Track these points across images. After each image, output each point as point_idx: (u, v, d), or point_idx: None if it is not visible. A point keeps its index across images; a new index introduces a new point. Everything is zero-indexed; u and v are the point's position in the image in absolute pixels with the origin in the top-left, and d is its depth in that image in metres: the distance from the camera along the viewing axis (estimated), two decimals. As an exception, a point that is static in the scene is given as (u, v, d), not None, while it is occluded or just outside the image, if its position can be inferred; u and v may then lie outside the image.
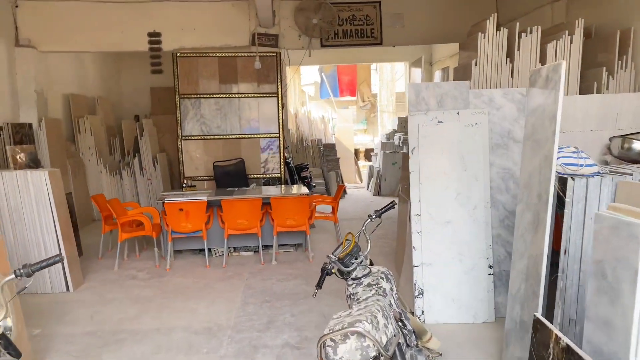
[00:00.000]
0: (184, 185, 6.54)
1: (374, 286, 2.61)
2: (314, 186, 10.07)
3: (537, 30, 4.89)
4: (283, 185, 7.70)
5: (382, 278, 2.68)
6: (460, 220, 4.00)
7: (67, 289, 5.07)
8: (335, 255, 2.78)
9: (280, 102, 7.84)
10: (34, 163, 5.62)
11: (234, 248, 6.33)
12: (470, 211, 3.99)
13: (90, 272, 5.76)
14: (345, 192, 11.17)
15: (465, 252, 4.00)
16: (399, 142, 11.77)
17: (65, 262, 5.03)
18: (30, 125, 7.11)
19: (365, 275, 2.70)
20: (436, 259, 4.01)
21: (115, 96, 11.29)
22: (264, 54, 7.68)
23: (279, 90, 7.81)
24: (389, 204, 3.13)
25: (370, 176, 12.03)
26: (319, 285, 2.67)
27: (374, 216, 3.05)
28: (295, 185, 7.38)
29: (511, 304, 3.15)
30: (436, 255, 4.01)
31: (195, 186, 6.61)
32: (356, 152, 15.70)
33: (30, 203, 4.94)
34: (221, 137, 7.76)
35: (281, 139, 7.87)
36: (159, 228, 6.08)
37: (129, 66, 11.64)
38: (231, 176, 7.37)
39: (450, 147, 4.01)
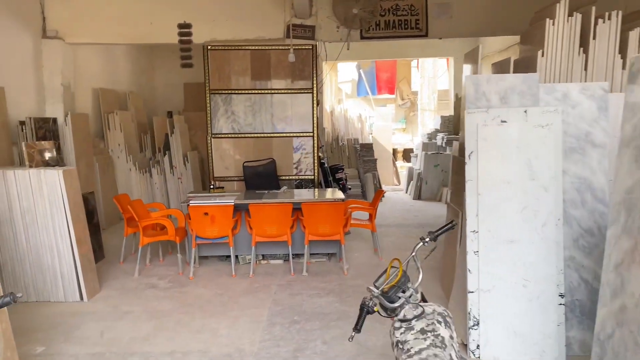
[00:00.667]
0: (211, 186, 6.09)
1: (429, 333, 2.03)
2: (349, 189, 9.50)
3: (617, 16, 4.17)
4: (316, 189, 7.16)
5: (440, 322, 2.09)
6: (526, 238, 3.36)
7: (81, 298, 4.68)
8: (378, 288, 2.21)
9: (315, 98, 7.30)
10: (53, 160, 5.27)
11: (263, 256, 5.84)
12: (538, 228, 3.35)
13: (109, 278, 5.38)
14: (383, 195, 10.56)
15: (531, 277, 3.36)
16: (442, 143, 11.05)
17: (79, 269, 4.64)
18: (54, 120, 6.82)
19: (417, 317, 2.11)
20: (496, 285, 3.39)
21: (147, 92, 11.02)
22: (299, 47, 7.15)
23: (314, 86, 7.27)
24: (447, 225, 2.52)
25: (410, 178, 11.37)
26: (358, 328, 2.11)
27: (427, 239, 2.44)
28: (329, 189, 6.81)
29: (599, 350, 2.51)
30: (496, 280, 3.39)
31: (223, 188, 6.15)
32: (394, 152, 15.02)
33: (44, 204, 4.57)
34: (252, 135, 7.29)
35: (315, 138, 7.34)
36: (183, 232, 5.65)
37: (162, 61, 11.36)
38: (261, 177, 6.89)
39: (516, 151, 3.37)
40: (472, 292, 3.42)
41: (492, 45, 10.52)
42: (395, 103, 20.08)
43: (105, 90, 8.82)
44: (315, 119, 7.31)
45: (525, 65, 4.44)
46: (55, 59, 7.06)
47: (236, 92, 7.22)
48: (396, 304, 2.21)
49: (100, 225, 6.27)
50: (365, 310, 2.15)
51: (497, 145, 3.38)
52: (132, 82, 10.24)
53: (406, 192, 11.38)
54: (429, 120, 15.90)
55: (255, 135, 7.29)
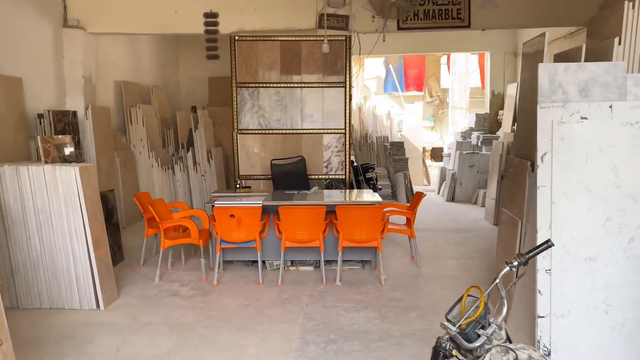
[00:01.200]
0: (237, 185, 5.69)
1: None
2: (380, 189, 9.02)
3: None
4: (350, 190, 6.70)
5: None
6: (609, 256, 2.85)
7: (98, 306, 4.32)
8: (454, 324, 1.75)
9: (348, 93, 6.84)
10: (71, 156, 4.93)
11: (291, 262, 5.41)
12: (624, 244, 2.84)
13: (128, 283, 5.02)
14: (413, 194, 10.06)
15: (615, 301, 2.85)
16: (477, 142, 10.48)
17: (95, 275, 4.28)
18: (74, 113, 6.50)
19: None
20: (571, 309, 2.89)
21: (172, 86, 10.70)
22: (332, 38, 6.70)
23: (347, 79, 6.82)
24: (543, 245, 2.02)
25: (442, 179, 10.82)
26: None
27: (516, 263, 1.94)
28: (364, 191, 6.32)
29: None
30: (571, 304, 2.89)
31: (250, 187, 5.74)
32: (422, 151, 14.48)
33: (59, 203, 4.21)
34: (280, 131, 6.87)
35: (347, 135, 6.88)
36: (207, 235, 5.25)
37: (186, 54, 11.03)
38: (290, 177, 6.46)
39: (598, 153, 2.86)
40: (543, 317, 2.92)
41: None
42: (423, 100, 19.48)
43: (128, 84, 8.51)
44: (347, 114, 6.85)
45: (596, 55, 3.90)
46: (76, 50, 6.74)
47: (264, 85, 6.81)
48: (476, 344, 1.75)
49: (120, 225, 5.94)
50: (441, 355, 1.69)
51: (576, 146, 2.88)
52: (156, 75, 9.92)
53: (438, 193, 10.85)
54: (460, 119, 15.30)
55: (284, 131, 6.87)
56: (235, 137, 6.88)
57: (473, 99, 15.73)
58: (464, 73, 15.74)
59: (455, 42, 11.16)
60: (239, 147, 6.90)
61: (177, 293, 4.74)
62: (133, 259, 5.84)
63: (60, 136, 5.01)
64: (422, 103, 18.56)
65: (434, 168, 14.41)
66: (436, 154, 17.51)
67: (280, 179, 6.39)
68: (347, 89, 6.83)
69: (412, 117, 13.97)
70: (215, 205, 5.00)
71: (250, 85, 6.82)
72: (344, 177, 6.92)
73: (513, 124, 9.14)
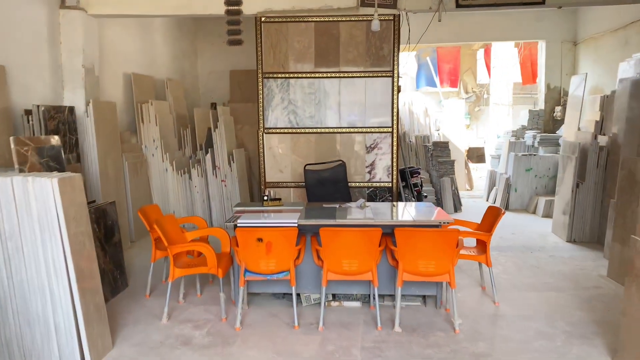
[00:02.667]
0: (265, 197, 4.59)
1: None
2: (425, 196, 7.83)
3: None
4: (405, 204, 5.55)
5: None
6: None
7: (83, 361, 3.27)
8: None
9: (395, 84, 5.69)
10: (56, 162, 3.91)
11: (333, 295, 4.29)
12: None
13: (128, 322, 3.97)
14: (460, 202, 8.84)
15: None
16: (533, 142, 9.20)
17: (80, 319, 3.22)
18: (71, 109, 5.48)
19: None
20: None
21: (189, 79, 9.68)
22: (378, 17, 5.55)
23: (395, 68, 5.67)
24: None
25: (492, 184, 9.58)
26: None
27: None
28: (426, 206, 5.07)
29: None
30: None
31: (280, 200, 4.64)
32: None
33: (32, 226, 3.17)
34: (314, 130, 5.76)
35: (395, 134, 5.74)
36: (228, 261, 4.16)
37: (206, 45, 10.01)
38: (328, 185, 5.35)
39: None
40: None
41: (597, 25, 8.58)
42: (458, 96, 18.17)
43: (140, 76, 7.50)
44: (395, 109, 5.70)
45: None
46: (75, 35, 5.73)
47: (295, 75, 5.71)
48: None
49: (127, 241, 4.91)
50: None
51: None
52: (172, 67, 8.91)
53: (487, 200, 9.61)
54: (503, 116, 13.99)
55: (318, 130, 5.76)
56: (261, 137, 5.79)
57: (520, 95, 14.43)
58: (507, 66, 14.40)
59: (505, 30, 9.90)
60: (265, 148, 5.81)
61: (190, 340, 3.66)
62: (139, 286, 4.81)
63: (43, 137, 3.98)
64: (456, 99, 17.23)
65: (475, 170, 13.16)
66: (473, 154, 16.24)
67: (316, 188, 5.28)
68: (395, 80, 5.68)
69: (451, 114, 12.72)
70: (239, 225, 3.91)
71: (279, 75, 5.72)
72: (390, 184, 5.77)
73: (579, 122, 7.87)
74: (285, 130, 5.77)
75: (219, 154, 7.44)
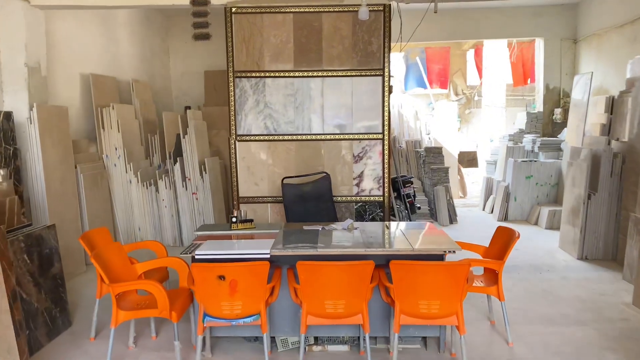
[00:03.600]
0: (233, 219, 3.82)
1: None
2: (419, 208, 7.13)
3: None
4: (398, 224, 4.84)
5: None
6: None
7: None
8: None
9: (387, 83, 4.98)
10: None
11: (316, 338, 3.54)
12: None
13: (60, 379, 3.19)
14: (455, 212, 8.15)
15: None
16: (532, 147, 8.56)
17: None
18: (8, 115, 4.68)
19: None
20: None
21: (160, 81, 8.90)
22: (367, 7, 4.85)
23: (386, 65, 4.96)
24: None
25: (488, 192, 8.92)
26: None
27: None
28: (427, 227, 4.25)
29: None
30: None
31: (252, 221, 3.89)
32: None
33: None
34: (295, 137, 5.02)
35: (386, 141, 5.02)
36: (186, 299, 3.39)
37: (179, 43, 9.23)
38: (310, 201, 4.61)
39: None
40: None
41: (601, 20, 7.97)
42: (448, 98, 17.56)
43: (100, 77, 6.70)
44: (386, 113, 4.99)
45: None
46: (16, 28, 4.94)
47: (272, 74, 4.97)
48: None
49: (64, 278, 4.11)
50: None
51: None
52: (139, 68, 8.11)
53: (483, 209, 8.95)
54: (496, 118, 13.40)
55: (299, 137, 5.02)
56: (232, 146, 5.04)
57: (515, 97, 13.87)
58: (500, 67, 13.81)
59: (501, 27, 9.27)
60: (238, 158, 5.07)
61: (133, 405, 2.89)
62: (86, 324, 4.03)
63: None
64: (454, 101, 16.62)
65: (467, 175, 12.53)
66: (463, 158, 15.64)
67: (296, 205, 4.54)
68: (386, 79, 4.97)
69: (442, 117, 12.09)
70: (196, 257, 3.16)
71: (253, 74, 4.98)
72: (381, 198, 5.06)
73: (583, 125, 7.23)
74: (261, 138, 5.03)
75: (189, 163, 6.66)
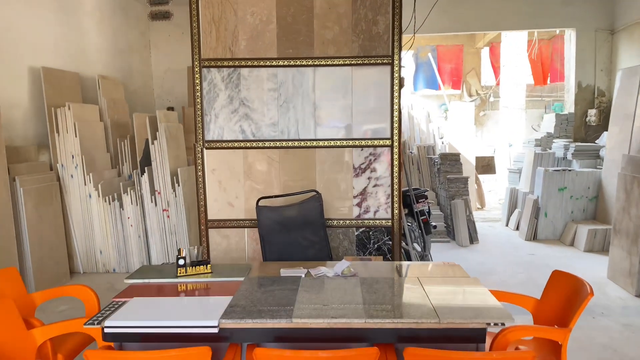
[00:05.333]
0: (180, 262, 2.67)
1: None
2: (434, 227, 6.00)
3: None
4: (413, 265, 3.70)
5: None
6: None
7: None
8: None
9: (398, 74, 3.86)
10: None
11: None
12: None
13: None
14: (475, 230, 6.98)
15: None
16: (564, 154, 7.40)
17: None
18: None
19: None
20: None
21: (140, 79, 7.85)
22: (369, -24, 3.75)
23: (396, 51, 3.84)
24: None
25: (512, 205, 7.76)
26: None
27: None
28: (450, 265, 3.10)
29: None
30: None
31: (208, 263, 2.75)
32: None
33: None
34: (279, 144, 3.91)
35: (396, 148, 3.90)
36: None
37: (162, 37, 8.18)
38: (294, 230, 3.48)
39: None
40: None
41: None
42: (460, 99, 16.39)
43: (54, 72, 5.65)
44: (396, 112, 3.87)
45: None
46: None
47: (249, 63, 3.87)
48: None
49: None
50: None
51: None
52: (112, 63, 7.06)
53: (506, 225, 7.79)
54: (516, 121, 12.23)
55: (285, 144, 3.91)
56: (199, 155, 3.94)
57: (536, 98, 12.71)
58: (519, 65, 12.62)
59: (524, 17, 8.13)
60: (207, 171, 3.96)
61: None
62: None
63: None
64: (471, 102, 15.45)
65: (482, 183, 11.35)
66: (478, 164, 14.46)
67: (276, 235, 3.41)
68: (396, 69, 3.85)
69: (457, 120, 10.93)
70: (105, 331, 2.05)
71: (225, 63, 3.88)
72: (390, 222, 3.93)
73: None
74: (236, 144, 3.92)
75: (159, 174, 5.58)
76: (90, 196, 5.54)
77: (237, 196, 3.96)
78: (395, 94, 3.86)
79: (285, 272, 2.76)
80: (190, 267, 2.72)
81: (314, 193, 3.65)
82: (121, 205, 5.59)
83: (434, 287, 2.51)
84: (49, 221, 5.13)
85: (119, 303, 2.35)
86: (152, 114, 6.03)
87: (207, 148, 3.93)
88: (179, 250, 2.72)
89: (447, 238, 6.97)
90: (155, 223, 5.59)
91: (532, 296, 2.84)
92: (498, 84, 14.34)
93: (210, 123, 3.93)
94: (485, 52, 15.91)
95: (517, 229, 7.36)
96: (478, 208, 9.56)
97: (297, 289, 2.47)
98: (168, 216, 5.57)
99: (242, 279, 2.67)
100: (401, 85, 3.93)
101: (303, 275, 2.70)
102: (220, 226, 3.97)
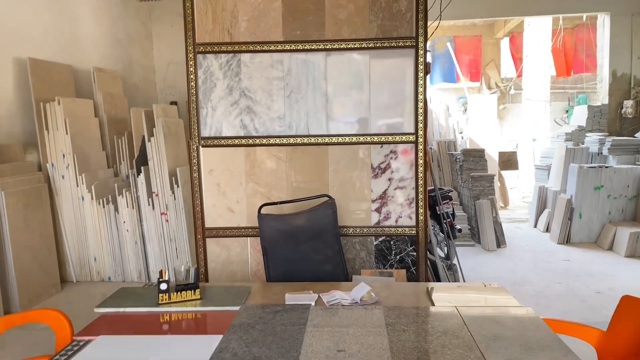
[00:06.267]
0: (161, 287, 2.17)
1: None
2: (459, 230, 5.44)
3: None
4: (456, 285, 3.17)
5: None
6: None
7: None
8: None
9: (423, 58, 3.32)
10: None
11: None
12: None
13: None
14: (502, 233, 6.41)
15: None
16: (599, 150, 6.79)
17: None
18: None
19: None
20: None
21: (141, 72, 7.40)
22: (390, -56, 3.21)
23: (421, 33, 3.30)
24: None
25: (542, 205, 7.17)
26: None
27: None
28: (503, 291, 2.55)
29: None
30: None
31: (197, 287, 2.25)
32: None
33: None
34: (286, 140, 3.39)
35: (421, 144, 3.36)
36: None
37: (165, 27, 7.72)
38: (303, 242, 2.96)
39: None
40: None
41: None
42: (479, 92, 15.72)
43: (43, 64, 5.20)
44: (421, 104, 3.33)
45: None
46: None
47: (251, 48, 3.35)
48: None
49: None
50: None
51: None
52: (109, 55, 6.61)
53: (534, 226, 7.20)
54: (539, 114, 11.58)
55: (292, 140, 3.39)
56: (194, 154, 3.45)
57: (559, 91, 12.05)
58: (543, 55, 11.95)
59: (552, 1, 7.50)
60: (203, 172, 3.47)
61: None
62: None
63: None
64: (492, 94, 14.81)
65: (509, 183, 10.73)
66: (498, 159, 13.83)
67: (281, 250, 2.90)
68: (421, 53, 3.31)
69: (478, 113, 10.32)
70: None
71: (224, 48, 3.37)
72: (414, 230, 3.40)
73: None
74: (237, 142, 3.41)
75: (157, 175, 5.10)
76: (83, 198, 5.09)
77: (238, 201, 3.46)
78: (420, 82, 3.32)
79: (291, 297, 2.25)
80: (175, 293, 2.23)
81: (326, 198, 3.13)
82: (116, 209, 5.13)
83: (479, 324, 1.97)
84: (36, 226, 4.68)
85: (81, 343, 1.87)
86: (138, 109, 5.56)
87: (203, 146, 3.43)
88: (161, 273, 2.22)
89: (472, 241, 6.41)
90: (153, 228, 5.12)
91: (595, 327, 2.30)
92: (519, 75, 13.72)
93: (206, 117, 3.43)
94: (505, 43, 15.22)
95: (548, 230, 6.78)
96: (501, 207, 8.98)
97: (305, 324, 1.96)
98: (167, 220, 5.10)
99: (237, 308, 2.16)
100: (427, 72, 3.38)
101: (313, 304, 2.18)
102: (220, 235, 3.47)
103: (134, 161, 5.30)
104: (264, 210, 2.99)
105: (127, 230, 5.13)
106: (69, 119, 5.04)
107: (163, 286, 2.20)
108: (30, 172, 4.77)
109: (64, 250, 5.14)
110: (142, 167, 5.10)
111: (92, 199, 5.09)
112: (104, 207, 5.11)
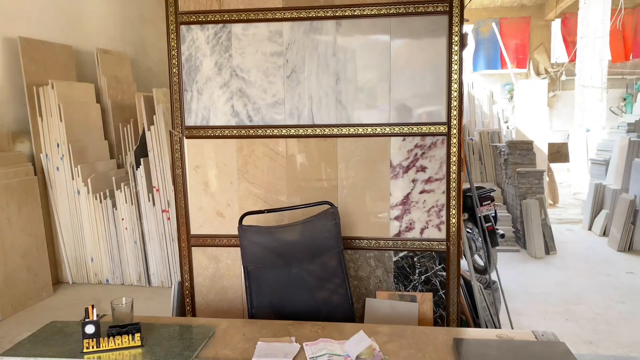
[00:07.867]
0: (87, 328, 1.61)
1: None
2: (502, 236, 4.68)
3: None
4: (499, 342, 2.49)
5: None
6: None
7: None
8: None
9: (458, 29, 2.60)
10: None
11: None
12: None
13: None
14: (552, 237, 5.60)
15: None
16: (672, 142, 5.84)
17: None
18: None
19: None
20: None
21: (154, 55, 6.93)
22: None
23: (456, -4, 2.58)
24: None
25: (598, 205, 6.29)
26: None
27: None
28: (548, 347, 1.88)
29: None
30: None
31: (137, 331, 1.68)
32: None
33: None
34: (286, 131, 2.76)
35: (454, 137, 2.66)
36: None
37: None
38: (295, 262, 2.32)
39: None
40: None
41: None
42: (527, 79, 14.59)
43: (37, 44, 4.74)
44: (456, 87, 2.62)
45: None
46: None
47: (244, 17, 2.72)
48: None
49: None
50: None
51: None
52: (117, 35, 6.14)
53: (589, 229, 6.33)
54: (593, 102, 10.48)
55: (293, 130, 2.76)
56: (177, 146, 2.86)
57: (617, 77, 10.94)
58: (601, 37, 10.80)
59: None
60: (188, 168, 2.88)
61: None
62: None
63: None
64: (543, 79, 13.71)
65: (562, 181, 9.77)
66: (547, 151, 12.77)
67: (267, 271, 2.27)
68: (455, 20, 2.60)
69: (526, 101, 9.36)
70: None
71: (211, 17, 2.76)
72: (444, 246, 2.71)
73: None
74: (227, 132, 2.81)
75: (158, 168, 4.58)
76: (79, 192, 4.64)
77: (229, 203, 2.86)
78: (454, 59, 2.61)
79: (263, 348, 1.63)
80: (106, 338, 1.64)
81: (329, 205, 2.48)
82: (114, 204, 4.65)
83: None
84: (25, 223, 4.25)
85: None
86: (144, 94, 5.04)
87: (187, 137, 2.85)
88: (86, 310, 1.64)
89: (516, 246, 5.63)
90: (154, 226, 4.61)
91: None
92: (572, 60, 12.56)
93: (191, 102, 2.83)
94: (556, 25, 14.05)
95: (605, 234, 5.93)
96: (550, 204, 8.09)
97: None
98: (168, 218, 4.58)
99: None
100: (463, 45, 2.67)
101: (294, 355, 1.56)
102: (207, 244, 2.89)
103: (132, 152, 4.80)
104: (246, 221, 2.36)
105: (126, 229, 4.64)
106: (64, 105, 4.58)
107: (89, 329, 1.62)
108: (19, 163, 4.33)
109: (59, 249, 4.71)
110: (141, 159, 4.59)
111: (88, 193, 4.62)
112: (101, 202, 4.64)
